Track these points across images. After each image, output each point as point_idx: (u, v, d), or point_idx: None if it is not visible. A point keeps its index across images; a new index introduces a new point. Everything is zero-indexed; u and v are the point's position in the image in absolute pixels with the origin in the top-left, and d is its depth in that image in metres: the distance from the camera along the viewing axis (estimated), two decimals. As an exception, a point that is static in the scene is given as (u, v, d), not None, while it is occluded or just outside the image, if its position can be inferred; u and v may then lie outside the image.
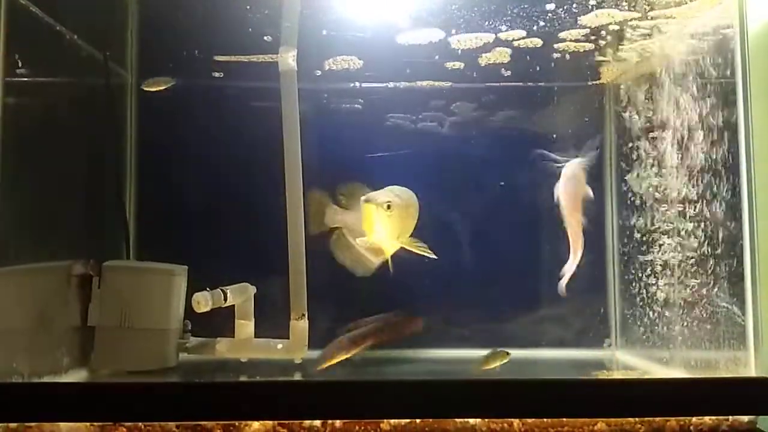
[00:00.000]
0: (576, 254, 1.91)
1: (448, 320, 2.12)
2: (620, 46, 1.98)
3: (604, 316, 2.18)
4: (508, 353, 1.81)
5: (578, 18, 1.86)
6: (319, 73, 2.11)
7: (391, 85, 2.21)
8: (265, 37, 1.89)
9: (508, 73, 2.14)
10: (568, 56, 2.04)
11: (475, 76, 2.13)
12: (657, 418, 1.48)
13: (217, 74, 2.12)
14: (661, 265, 1.90)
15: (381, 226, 1.69)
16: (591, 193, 1.90)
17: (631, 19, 1.83)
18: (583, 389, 1.42)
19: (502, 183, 2.20)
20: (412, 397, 1.37)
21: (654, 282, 1.93)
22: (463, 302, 2.13)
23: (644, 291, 1.97)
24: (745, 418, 1.50)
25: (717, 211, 1.65)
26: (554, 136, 2.17)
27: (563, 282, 1.92)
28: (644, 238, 1.98)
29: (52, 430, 1.44)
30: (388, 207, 1.68)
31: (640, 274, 2.00)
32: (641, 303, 1.99)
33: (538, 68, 2.12)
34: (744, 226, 1.56)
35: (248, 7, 1.89)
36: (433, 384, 1.42)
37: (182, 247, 2.05)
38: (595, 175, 2.21)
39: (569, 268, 1.91)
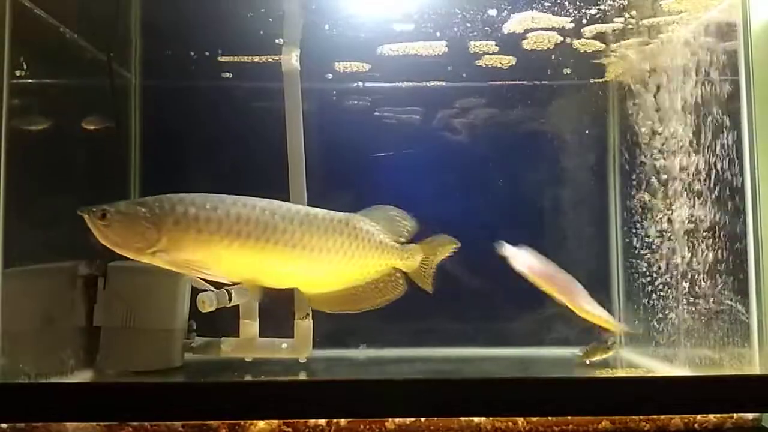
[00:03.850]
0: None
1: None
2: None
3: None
4: (609, 348, 1.86)
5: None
6: (330, 76, 2.13)
7: (395, 84, 2.21)
8: (277, 40, 1.88)
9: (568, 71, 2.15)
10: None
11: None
12: (661, 416, 1.48)
13: (226, 75, 2.13)
14: (664, 262, 1.90)
15: (102, 239, 1.43)
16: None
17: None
18: (587, 387, 1.42)
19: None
20: (416, 396, 1.37)
21: (658, 280, 1.93)
22: (467, 301, 2.13)
23: (648, 289, 1.98)
24: (750, 416, 1.51)
25: (723, 212, 1.65)
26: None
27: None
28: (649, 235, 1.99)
29: (58, 430, 1.45)
30: (103, 216, 1.42)
31: (644, 272, 2.00)
32: (645, 301, 1.99)
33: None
34: (748, 226, 1.56)
35: (251, 7, 1.89)
36: (438, 383, 1.42)
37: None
38: (597, 174, 2.23)
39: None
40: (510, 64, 2.09)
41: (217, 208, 1.47)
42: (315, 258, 1.54)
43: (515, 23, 1.90)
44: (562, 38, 1.96)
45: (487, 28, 1.93)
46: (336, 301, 1.60)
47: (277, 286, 1.57)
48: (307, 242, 1.53)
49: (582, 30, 1.92)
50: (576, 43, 1.97)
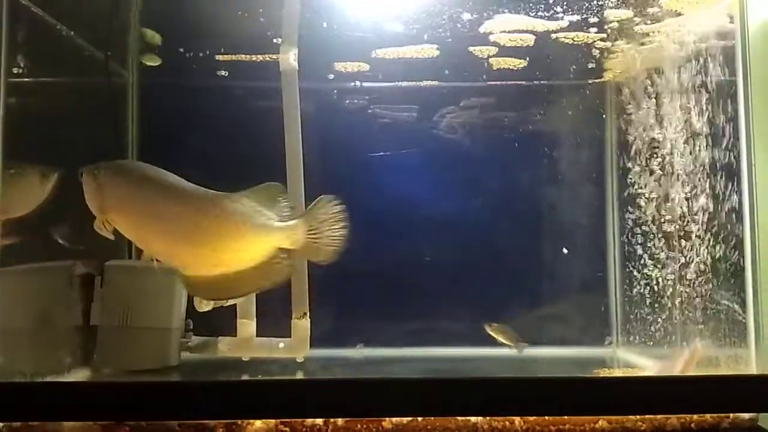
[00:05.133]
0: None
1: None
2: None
3: (605, 314, 2.19)
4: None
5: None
6: (332, 76, 2.13)
7: (394, 84, 2.21)
8: (275, 40, 1.87)
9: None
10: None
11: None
12: (658, 416, 1.48)
13: (223, 74, 2.13)
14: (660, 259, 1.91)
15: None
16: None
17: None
18: (584, 387, 1.42)
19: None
20: (413, 396, 1.37)
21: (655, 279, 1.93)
22: (465, 300, 2.13)
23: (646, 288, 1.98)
24: (746, 416, 1.51)
25: (718, 210, 1.66)
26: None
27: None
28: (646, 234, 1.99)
29: (55, 430, 1.44)
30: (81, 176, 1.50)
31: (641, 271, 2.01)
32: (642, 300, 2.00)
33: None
34: (744, 224, 1.57)
35: (248, 6, 1.89)
36: (435, 382, 1.42)
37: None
38: (596, 174, 2.23)
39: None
40: (521, 66, 2.10)
41: (125, 176, 1.49)
42: (180, 236, 1.47)
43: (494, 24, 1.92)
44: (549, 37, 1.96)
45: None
46: (213, 289, 1.50)
47: (167, 262, 1.52)
48: (172, 218, 1.47)
49: (580, 29, 1.93)
50: (568, 39, 1.97)
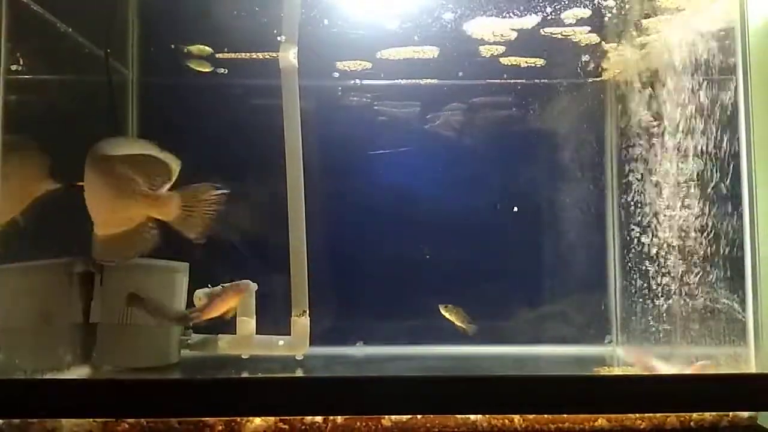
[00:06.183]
0: None
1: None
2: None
3: (604, 312, 2.19)
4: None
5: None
6: (336, 74, 2.12)
7: (393, 82, 2.21)
8: (279, 37, 1.87)
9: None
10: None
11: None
12: (657, 414, 1.48)
13: (223, 71, 2.13)
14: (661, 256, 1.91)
15: None
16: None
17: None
18: (584, 385, 1.42)
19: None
20: (413, 393, 1.37)
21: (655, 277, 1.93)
22: (464, 298, 2.13)
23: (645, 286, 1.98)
24: (746, 414, 1.51)
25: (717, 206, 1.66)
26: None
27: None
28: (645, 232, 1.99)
29: (54, 427, 1.44)
30: None
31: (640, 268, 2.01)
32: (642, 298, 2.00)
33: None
34: (744, 222, 1.56)
35: (247, 4, 1.89)
36: (434, 380, 1.42)
37: (183, 243, 2.05)
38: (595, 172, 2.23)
39: None
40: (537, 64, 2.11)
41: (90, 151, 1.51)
42: (89, 194, 1.50)
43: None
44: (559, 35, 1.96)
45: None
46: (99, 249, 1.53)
47: None
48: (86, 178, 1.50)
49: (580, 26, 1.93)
50: (566, 35, 1.97)
